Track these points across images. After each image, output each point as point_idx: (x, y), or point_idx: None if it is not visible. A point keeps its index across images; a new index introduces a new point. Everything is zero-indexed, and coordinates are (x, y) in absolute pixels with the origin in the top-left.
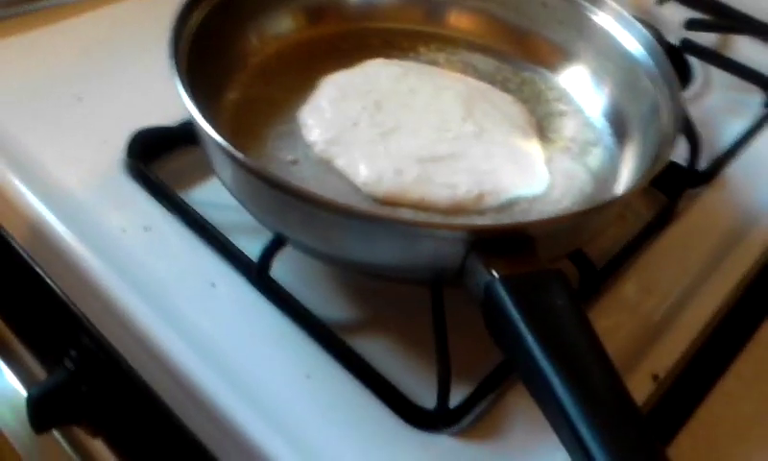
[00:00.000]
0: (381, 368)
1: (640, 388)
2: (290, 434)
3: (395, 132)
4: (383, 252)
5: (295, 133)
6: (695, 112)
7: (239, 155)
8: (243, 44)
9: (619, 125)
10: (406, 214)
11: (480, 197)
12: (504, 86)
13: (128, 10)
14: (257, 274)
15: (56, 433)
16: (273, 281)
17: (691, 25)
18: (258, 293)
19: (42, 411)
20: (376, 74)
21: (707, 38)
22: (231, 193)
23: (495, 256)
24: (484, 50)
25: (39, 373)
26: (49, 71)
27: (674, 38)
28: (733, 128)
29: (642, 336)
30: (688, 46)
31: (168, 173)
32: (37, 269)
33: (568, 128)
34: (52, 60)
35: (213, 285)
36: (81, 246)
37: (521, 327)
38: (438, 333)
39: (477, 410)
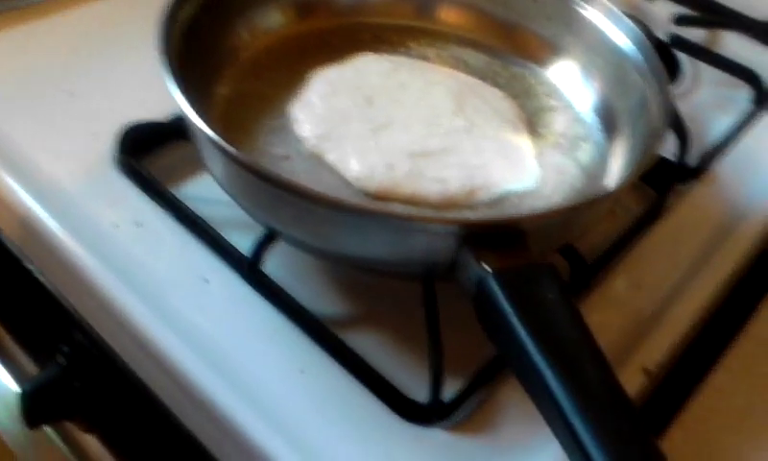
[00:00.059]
0: (374, 362)
1: (631, 382)
2: (284, 428)
3: (386, 127)
4: (375, 246)
5: (286, 129)
6: (684, 108)
7: (231, 149)
8: (233, 39)
9: (609, 120)
10: (398, 209)
11: (471, 192)
12: (494, 82)
13: (118, 5)
14: (249, 269)
15: (49, 429)
16: (265, 276)
17: (680, 21)
18: (251, 288)
19: (35, 407)
20: (367, 69)
21: (695, 34)
22: (223, 188)
23: (487, 251)
24: (474, 45)
25: (32, 369)
26: (39, 67)
27: (663, 34)
28: (722, 123)
29: (633, 330)
30: (677, 42)
31: (159, 168)
32: (28, 265)
33: (558, 123)
34: (42, 56)
35: (205, 281)
36: (72, 241)
37: (514, 320)
38: (430, 328)
39: (470, 404)
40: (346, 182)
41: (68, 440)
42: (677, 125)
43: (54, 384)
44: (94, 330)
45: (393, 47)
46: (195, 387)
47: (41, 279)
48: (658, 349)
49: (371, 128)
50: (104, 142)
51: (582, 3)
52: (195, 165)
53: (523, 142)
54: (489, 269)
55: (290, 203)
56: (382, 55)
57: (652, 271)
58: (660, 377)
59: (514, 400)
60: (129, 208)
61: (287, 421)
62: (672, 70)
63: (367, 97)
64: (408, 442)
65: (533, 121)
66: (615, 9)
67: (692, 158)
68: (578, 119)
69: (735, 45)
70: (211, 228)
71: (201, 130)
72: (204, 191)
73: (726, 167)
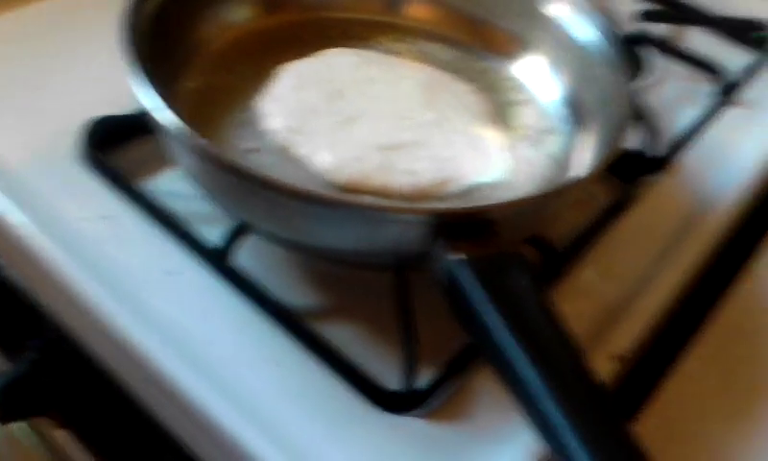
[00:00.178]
0: (348, 353)
1: (602, 368)
2: (260, 420)
3: (355, 120)
4: (347, 238)
5: (254, 122)
6: (650, 101)
7: (199, 142)
8: (200, 32)
9: (576, 112)
10: (368, 201)
11: (442, 184)
12: (463, 76)
13: None
14: (219, 261)
15: (23, 425)
16: (235, 268)
17: (645, 16)
18: (222, 281)
19: (7, 402)
20: (336, 63)
21: (659, 29)
22: (192, 182)
23: (458, 240)
24: (442, 40)
25: (3, 365)
26: (3, 60)
27: (629, 29)
28: (687, 116)
29: (602, 318)
30: (643, 37)
31: (127, 162)
32: None
33: (527, 116)
34: (6, 49)
35: (176, 274)
36: (39, 236)
37: (485, 309)
38: (403, 317)
39: (445, 392)
40: (315, 175)
41: (42, 436)
42: (643, 118)
43: (25, 380)
44: (65, 326)
45: (362, 41)
46: (168, 381)
47: (9, 274)
48: (627, 336)
49: (340, 121)
50: (70, 136)
51: None
52: (163, 159)
53: (493, 135)
54: (460, 258)
55: (260, 195)
56: (351, 49)
57: (621, 260)
58: (631, 364)
59: (487, 387)
60: (96, 203)
61: (262, 412)
62: (638, 65)
63: (336, 90)
64: (383, 430)
65: (502, 114)
66: (582, 4)
67: (659, 150)
68: (546, 112)
69: (699, 40)
70: (181, 221)
71: (167, 124)
72: (173, 185)
73: (692, 159)
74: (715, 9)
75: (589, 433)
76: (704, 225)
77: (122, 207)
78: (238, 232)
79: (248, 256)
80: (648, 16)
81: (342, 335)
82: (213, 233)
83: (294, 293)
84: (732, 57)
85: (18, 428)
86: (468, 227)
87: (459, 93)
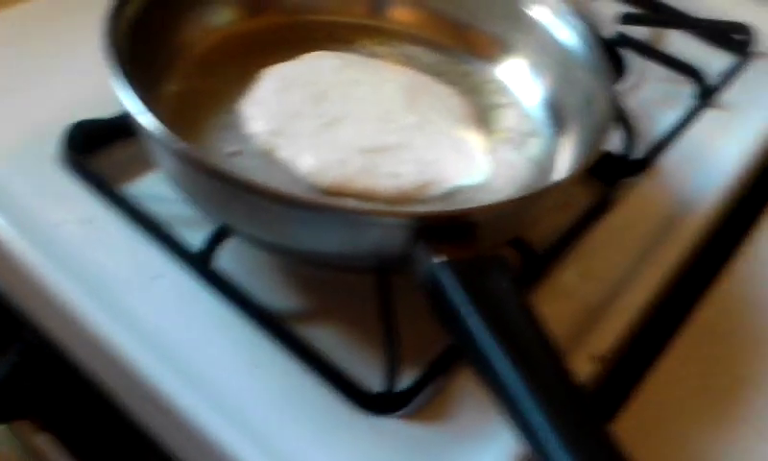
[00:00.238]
0: (331, 355)
1: (582, 369)
2: (241, 423)
3: (338, 122)
4: (329, 241)
5: (236, 125)
6: (631, 104)
7: (181, 145)
8: (182, 35)
9: (557, 115)
10: (351, 204)
11: (424, 186)
12: (445, 79)
13: (63, 0)
14: (201, 265)
15: (3, 428)
16: (217, 272)
17: (625, 19)
18: (203, 284)
19: None
20: (319, 66)
21: (640, 32)
22: (173, 185)
23: (440, 243)
24: (425, 43)
25: None
26: None
27: (609, 32)
28: (667, 118)
29: (582, 319)
30: (623, 40)
31: (107, 166)
32: None
33: (508, 119)
34: None
35: (157, 278)
36: (19, 240)
37: (466, 311)
38: (385, 319)
39: (426, 393)
40: (298, 178)
41: (22, 439)
42: (624, 120)
43: (6, 383)
44: (45, 329)
45: (345, 45)
46: (150, 385)
47: None
48: (607, 337)
49: (323, 124)
50: (50, 140)
51: (530, 2)
52: (145, 163)
53: (474, 138)
54: (441, 261)
55: (242, 199)
56: (334, 52)
57: (601, 261)
58: (611, 365)
59: (469, 388)
60: (76, 206)
61: (243, 415)
62: (618, 67)
63: (319, 93)
64: (365, 432)
65: (484, 117)
66: (562, 6)
67: (639, 153)
68: (527, 115)
69: (679, 43)
70: (162, 224)
71: (149, 127)
72: (155, 188)
73: (671, 161)
74: (695, 12)
75: (570, 434)
76: (683, 226)
77: (103, 211)
78: (220, 236)
79: (230, 260)
80: (628, 19)
81: (324, 338)
82: (195, 237)
83: (276, 296)
84: (712, 59)
85: None
86: (450, 229)
87: (441, 96)
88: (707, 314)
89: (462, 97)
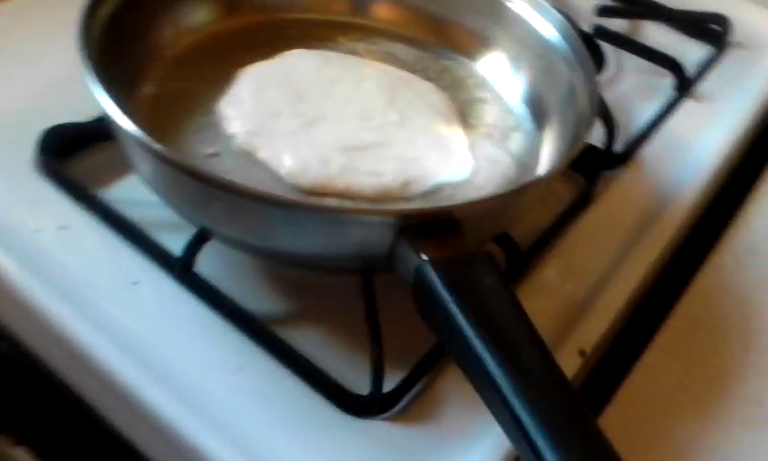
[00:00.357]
0: (315, 357)
1: (568, 364)
2: (224, 429)
3: (318, 121)
4: (312, 242)
5: (214, 126)
6: (609, 96)
7: (158, 147)
8: (158, 36)
9: (538, 109)
10: (332, 203)
11: (406, 184)
12: (425, 75)
13: (36, 3)
14: (181, 269)
15: None
16: (197, 276)
17: (603, 12)
18: (185, 289)
19: None
20: (296, 64)
21: (618, 25)
22: (151, 188)
23: (424, 240)
24: (404, 39)
25: None
26: None
27: (586, 25)
28: (646, 110)
29: (567, 314)
30: (601, 32)
31: (83, 171)
32: None
33: (489, 114)
34: None
35: (136, 284)
36: None
37: (452, 307)
38: (369, 320)
39: (413, 393)
40: (278, 179)
41: None
42: (604, 113)
43: None
44: (22, 339)
45: (322, 43)
46: (130, 392)
47: None
48: (592, 331)
49: (302, 123)
50: (24, 146)
51: None
52: (121, 166)
53: (455, 134)
54: (426, 258)
55: (222, 200)
56: (312, 50)
57: (584, 256)
58: (596, 360)
59: (455, 386)
60: (52, 213)
61: (226, 421)
62: (597, 60)
63: (297, 92)
64: (351, 435)
65: (464, 113)
66: (542, 1)
67: (619, 145)
68: (508, 110)
69: (657, 35)
70: (140, 229)
71: (126, 129)
72: (133, 193)
73: (651, 153)
74: (672, 3)
75: (559, 430)
76: (664, 218)
77: (80, 217)
78: (200, 240)
79: (211, 263)
80: (606, 12)
81: (308, 340)
82: (175, 241)
83: (259, 299)
84: (690, 51)
85: None
86: (434, 227)
87: (421, 92)
88: (689, 307)
89: (442, 93)
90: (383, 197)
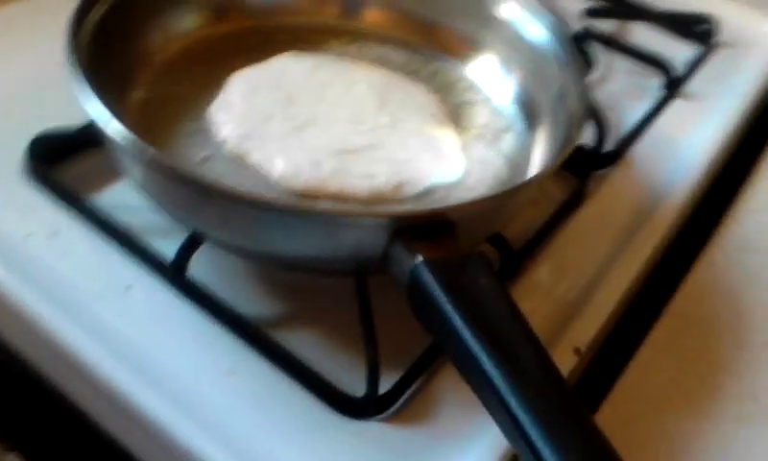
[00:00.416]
0: (310, 360)
1: (563, 362)
2: (219, 432)
3: (309, 125)
4: (306, 245)
5: (205, 131)
6: (599, 97)
7: (150, 152)
8: (147, 42)
9: (529, 111)
10: (326, 206)
11: (399, 186)
12: (416, 78)
13: (23, 9)
14: (174, 274)
15: None
16: (191, 281)
17: (590, 13)
18: (178, 294)
19: None
20: (287, 68)
21: (606, 26)
22: (143, 193)
23: (418, 242)
24: (394, 42)
25: None
26: None
27: (575, 26)
28: (636, 110)
29: (562, 313)
30: (589, 33)
31: (74, 177)
32: None
33: (481, 115)
34: None
35: (129, 289)
36: None
37: (448, 308)
38: (364, 322)
39: (408, 394)
40: (271, 182)
41: None
42: (594, 113)
43: None
44: (13, 345)
45: (313, 46)
46: (123, 397)
47: None
48: (586, 330)
49: (294, 126)
50: (14, 152)
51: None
52: (112, 172)
53: (447, 136)
54: (421, 259)
55: (215, 205)
56: (302, 54)
57: (576, 255)
58: (590, 358)
59: (452, 387)
60: (43, 219)
61: (221, 424)
62: (586, 61)
63: (288, 96)
64: (347, 436)
65: (456, 115)
66: (530, 4)
67: (609, 145)
68: (499, 111)
69: (644, 35)
70: (132, 234)
71: (115, 135)
72: (124, 198)
73: (642, 152)
74: (659, 4)
75: (556, 428)
76: (656, 217)
77: (71, 223)
78: (193, 244)
79: (204, 267)
80: (594, 13)
81: (303, 343)
82: (167, 245)
83: (252, 303)
84: (677, 51)
85: None
86: (428, 228)
87: (413, 95)
88: (681, 304)
89: (433, 95)
90: (376, 199)
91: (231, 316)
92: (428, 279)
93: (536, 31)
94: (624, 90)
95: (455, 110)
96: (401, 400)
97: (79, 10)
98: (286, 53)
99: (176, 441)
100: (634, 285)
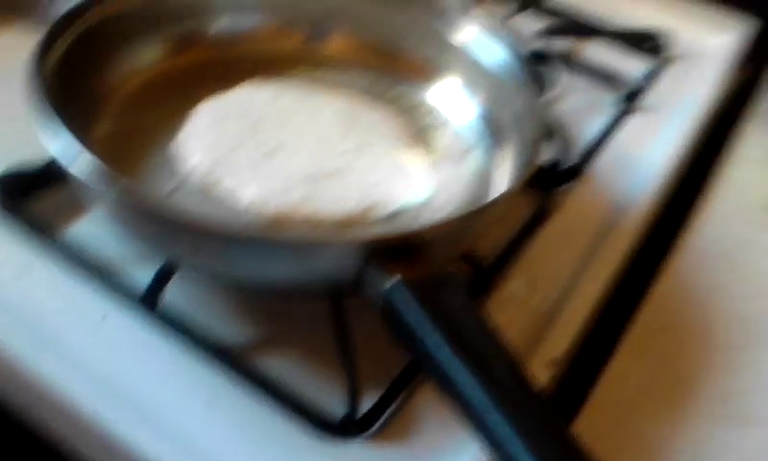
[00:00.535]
0: (289, 383)
1: (539, 375)
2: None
3: (277, 152)
4: (279, 272)
5: (173, 162)
6: (558, 114)
7: (119, 187)
8: (111, 75)
9: (493, 130)
10: (297, 232)
11: (369, 209)
12: (380, 101)
13: None
14: (148, 304)
15: None
16: (165, 310)
17: (546, 33)
18: (153, 324)
19: None
20: (252, 96)
21: (562, 45)
22: (114, 226)
23: (391, 264)
24: (357, 67)
25: None
26: None
27: (532, 46)
28: (594, 125)
29: (534, 326)
30: (546, 53)
31: (44, 210)
32: None
33: (445, 137)
34: None
35: (103, 320)
36: None
37: (423, 328)
38: (341, 344)
39: (388, 413)
40: (241, 210)
41: None
42: (555, 131)
43: None
44: None
45: (277, 74)
46: (103, 430)
47: None
48: (560, 341)
49: (261, 154)
50: None
51: (454, 23)
52: (85, 204)
53: (414, 157)
54: (395, 281)
55: (186, 236)
56: (266, 82)
57: (546, 268)
58: (564, 369)
59: (431, 404)
60: (12, 254)
61: (202, 452)
62: (543, 81)
63: (254, 124)
64: (329, 459)
65: (421, 137)
66: (487, 27)
67: (571, 161)
68: (463, 132)
69: (599, 52)
70: (105, 265)
71: (82, 173)
72: (95, 229)
73: (602, 166)
74: (612, 21)
75: (535, 440)
76: (619, 229)
77: (41, 257)
78: (166, 273)
79: (178, 295)
80: (550, 33)
81: (281, 367)
82: (140, 275)
83: (229, 329)
84: (632, 66)
85: None
86: (401, 250)
87: (378, 119)
88: (651, 312)
89: (398, 118)
90: (347, 223)
91: (208, 343)
92: (403, 299)
93: (494, 53)
94: (582, 106)
95: (420, 133)
96: (382, 420)
97: (42, 45)
98: (250, 81)
99: None
100: (603, 295)
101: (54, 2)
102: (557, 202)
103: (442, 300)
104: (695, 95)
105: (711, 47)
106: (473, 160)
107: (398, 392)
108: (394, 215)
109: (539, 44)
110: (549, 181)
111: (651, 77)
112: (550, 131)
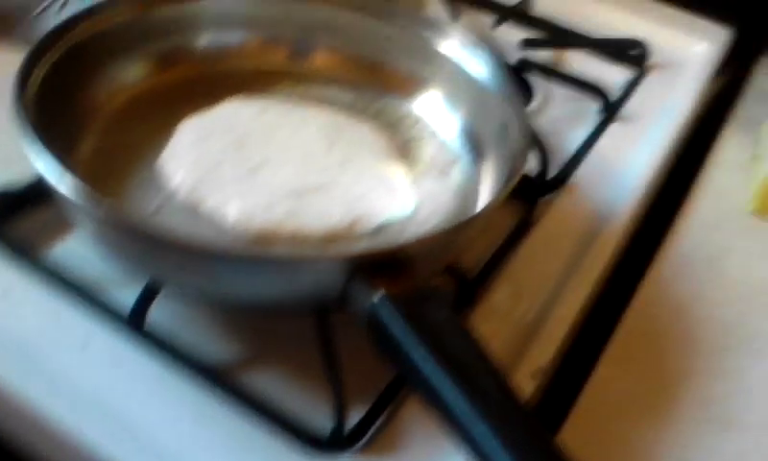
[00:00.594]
0: (275, 400)
1: (524, 385)
2: None
3: (261, 168)
4: (264, 289)
5: (157, 180)
6: (540, 124)
7: (102, 207)
8: (95, 93)
9: (475, 144)
10: (281, 249)
11: (353, 224)
12: (363, 116)
13: None
14: (133, 323)
15: None
16: (150, 330)
17: (527, 44)
18: (138, 344)
19: None
20: (235, 113)
21: (542, 56)
22: (97, 245)
23: (376, 278)
24: (340, 82)
25: None
26: None
27: (512, 58)
28: (576, 135)
29: (519, 337)
30: (526, 64)
31: (26, 232)
32: None
33: (428, 150)
34: None
35: (88, 342)
36: None
37: (408, 342)
38: (327, 360)
39: (375, 427)
40: (225, 228)
41: None
42: (537, 142)
43: None
44: None
45: (260, 90)
46: (90, 452)
47: None
48: (544, 350)
49: (245, 170)
50: None
51: (436, 36)
52: (66, 225)
53: (397, 171)
54: (380, 296)
55: (170, 255)
56: (250, 98)
57: (529, 279)
58: (550, 378)
59: (418, 417)
60: None
61: None
62: (525, 92)
63: (238, 140)
64: None
65: (404, 150)
66: (468, 38)
67: (553, 171)
68: (446, 145)
69: (580, 62)
70: (88, 287)
71: (67, 192)
72: (79, 250)
73: (584, 176)
74: (593, 31)
75: (520, 451)
76: (602, 237)
77: (23, 280)
78: (150, 293)
79: (163, 315)
80: (531, 44)
81: (268, 384)
82: (125, 295)
83: (215, 347)
84: (612, 75)
85: None
86: (385, 265)
87: (362, 133)
88: (633, 319)
89: (381, 132)
90: (331, 238)
91: (194, 361)
92: (387, 314)
93: (476, 65)
94: (564, 117)
95: (403, 146)
96: (369, 434)
97: (27, 62)
98: (234, 97)
99: None
100: (586, 304)
101: (40, 18)
102: (540, 212)
103: (426, 313)
104: (675, 103)
105: (691, 56)
106: (456, 174)
107: (385, 406)
108: (379, 229)
109: (521, 55)
110: (532, 192)
111: (631, 86)
112: (532, 142)
